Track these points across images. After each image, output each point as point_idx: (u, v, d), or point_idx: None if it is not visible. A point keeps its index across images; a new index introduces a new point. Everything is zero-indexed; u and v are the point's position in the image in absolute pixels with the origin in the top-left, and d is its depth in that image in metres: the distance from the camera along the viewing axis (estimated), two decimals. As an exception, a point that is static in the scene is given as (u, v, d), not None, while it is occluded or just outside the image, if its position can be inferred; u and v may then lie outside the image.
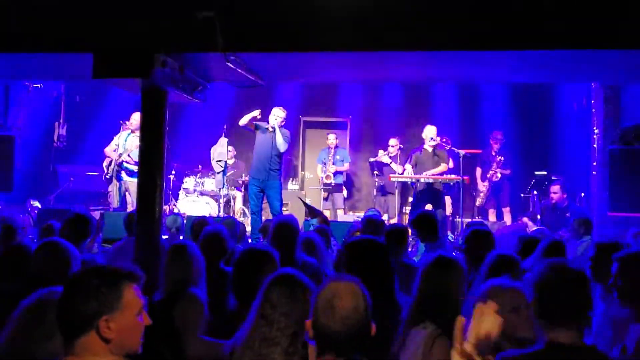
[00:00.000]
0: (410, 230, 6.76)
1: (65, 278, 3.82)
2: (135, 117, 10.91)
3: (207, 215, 11.25)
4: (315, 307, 2.65)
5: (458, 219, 11.09)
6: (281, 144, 10.52)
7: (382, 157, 12.38)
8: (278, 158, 10.66)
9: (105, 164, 11.38)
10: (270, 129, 10.51)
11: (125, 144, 11.00)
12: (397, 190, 11.98)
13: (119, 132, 11.56)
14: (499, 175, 12.03)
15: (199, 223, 6.98)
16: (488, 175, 12.08)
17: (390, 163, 12.29)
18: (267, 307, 3.14)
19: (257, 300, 3.22)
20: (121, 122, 11.66)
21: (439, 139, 11.50)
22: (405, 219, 11.82)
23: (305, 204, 9.74)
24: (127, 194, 11.04)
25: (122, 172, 11.02)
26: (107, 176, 11.22)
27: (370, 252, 4.16)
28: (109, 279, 2.51)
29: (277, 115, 10.63)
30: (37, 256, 4.22)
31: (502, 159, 12.02)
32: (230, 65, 5.83)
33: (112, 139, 11.58)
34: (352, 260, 4.13)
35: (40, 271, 4.07)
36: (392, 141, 12.51)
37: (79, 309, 2.45)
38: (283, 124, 10.70)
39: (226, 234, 5.50)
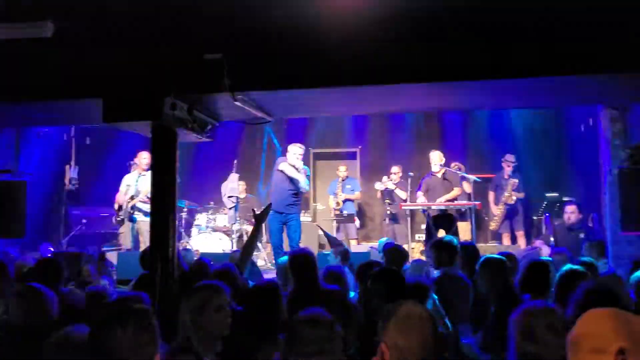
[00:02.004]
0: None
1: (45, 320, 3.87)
2: (144, 156, 10.94)
3: (221, 251, 11.27)
4: (390, 329, 2.65)
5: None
6: (305, 186, 10.73)
7: (387, 183, 12.43)
8: (300, 192, 10.82)
9: (116, 207, 11.40)
10: (301, 170, 10.65)
11: (137, 185, 10.97)
12: (409, 218, 11.99)
13: (128, 172, 11.60)
14: (514, 198, 11.97)
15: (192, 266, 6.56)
16: (503, 199, 12.02)
17: (395, 189, 12.36)
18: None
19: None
20: (130, 163, 11.70)
21: (445, 163, 11.57)
22: (417, 246, 11.83)
23: (325, 233, 9.80)
24: (139, 235, 10.96)
25: (138, 213, 10.94)
26: (118, 219, 11.19)
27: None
28: (148, 318, 2.59)
29: (298, 153, 10.67)
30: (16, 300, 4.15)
31: (517, 181, 11.98)
32: (239, 104, 5.89)
33: (121, 179, 11.65)
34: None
35: (18, 315, 4.05)
36: (395, 168, 12.67)
37: (144, 350, 2.51)
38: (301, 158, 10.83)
39: (235, 272, 5.33)
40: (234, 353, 4.06)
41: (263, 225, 12.19)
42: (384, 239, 9.40)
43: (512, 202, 11.99)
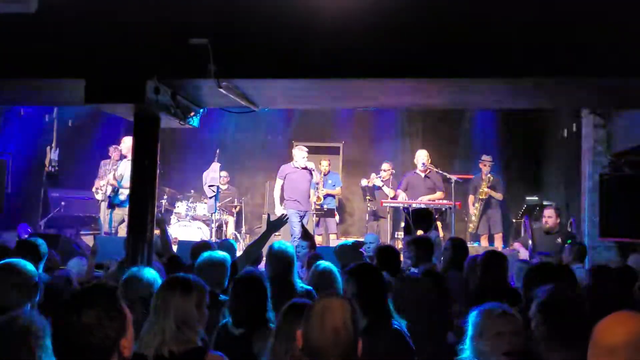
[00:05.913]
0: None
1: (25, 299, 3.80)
2: (126, 141, 10.85)
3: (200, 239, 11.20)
4: (306, 319, 2.69)
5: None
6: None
7: (375, 180, 12.38)
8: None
9: (95, 190, 11.32)
10: (313, 168, 12.03)
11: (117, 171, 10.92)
12: (389, 215, 11.99)
13: (109, 157, 11.50)
14: (487, 191, 12.00)
15: (199, 248, 6.51)
16: (478, 195, 12.06)
17: (382, 186, 12.30)
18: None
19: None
20: (113, 147, 11.60)
21: (431, 165, 11.56)
22: (398, 244, 11.81)
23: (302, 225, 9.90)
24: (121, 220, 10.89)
25: (115, 203, 10.90)
26: (102, 201, 11.08)
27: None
28: (116, 300, 2.51)
29: (304, 156, 11.90)
30: None
31: (491, 177, 12.03)
32: (223, 91, 5.84)
33: (104, 163, 11.57)
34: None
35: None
36: (385, 165, 12.52)
37: (105, 334, 2.41)
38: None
39: (229, 264, 5.19)
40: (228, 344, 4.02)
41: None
42: (370, 236, 9.39)
43: (485, 196, 11.99)
